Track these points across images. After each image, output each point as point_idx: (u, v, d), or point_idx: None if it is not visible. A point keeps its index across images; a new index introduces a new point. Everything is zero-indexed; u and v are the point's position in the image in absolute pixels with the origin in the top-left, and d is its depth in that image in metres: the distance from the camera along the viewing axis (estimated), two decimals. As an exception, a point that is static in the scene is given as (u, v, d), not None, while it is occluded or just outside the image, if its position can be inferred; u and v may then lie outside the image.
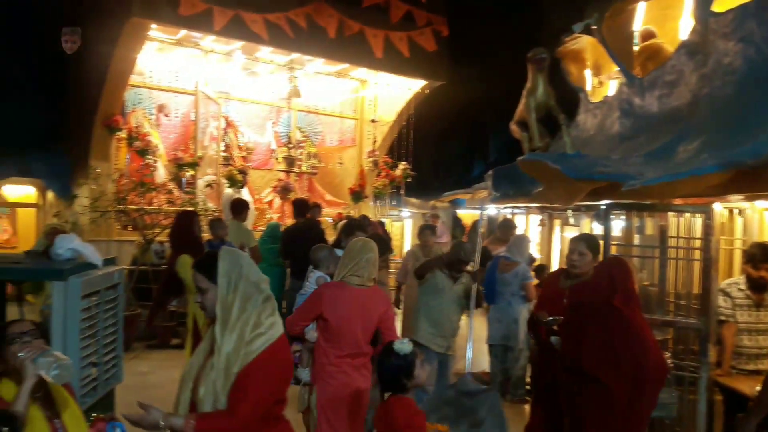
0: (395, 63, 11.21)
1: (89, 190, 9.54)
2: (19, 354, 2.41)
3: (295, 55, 11.15)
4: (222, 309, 2.42)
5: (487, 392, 4.24)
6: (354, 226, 5.74)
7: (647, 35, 6.54)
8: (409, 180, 12.37)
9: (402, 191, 12.62)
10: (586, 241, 4.06)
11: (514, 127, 6.31)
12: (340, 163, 12.88)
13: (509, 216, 9.21)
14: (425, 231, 7.13)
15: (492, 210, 9.66)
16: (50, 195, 11.02)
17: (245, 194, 10.89)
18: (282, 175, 12.17)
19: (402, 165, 12.37)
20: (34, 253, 3.80)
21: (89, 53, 9.21)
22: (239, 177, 10.84)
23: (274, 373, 2.45)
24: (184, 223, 6.05)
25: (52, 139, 10.55)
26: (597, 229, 7.26)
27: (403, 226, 13.62)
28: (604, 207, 5.19)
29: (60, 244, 3.60)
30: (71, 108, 10.51)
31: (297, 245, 7.18)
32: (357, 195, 12.44)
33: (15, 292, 4.01)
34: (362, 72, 12.47)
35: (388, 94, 12.65)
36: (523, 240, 6.87)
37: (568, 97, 7.06)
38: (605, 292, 3.57)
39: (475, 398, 4.05)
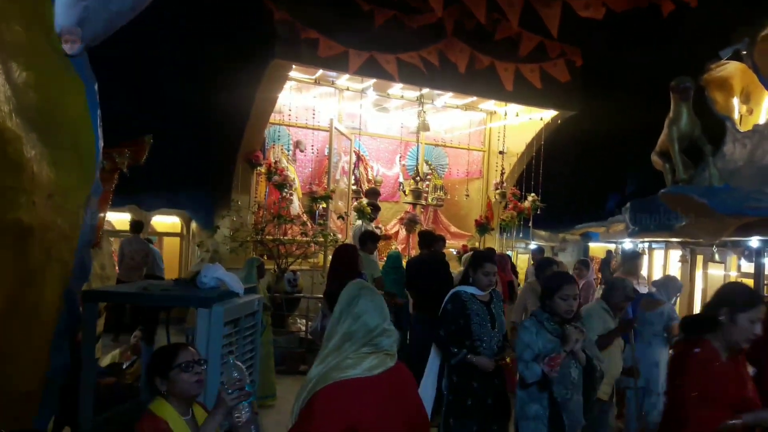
0: (526, 94, 10.96)
1: (230, 221, 10.02)
2: (229, 391, 2.48)
3: (425, 90, 11.21)
4: (325, 338, 2.39)
5: None
6: (480, 258, 5.48)
7: None
8: (538, 212, 11.91)
9: (530, 223, 12.19)
10: None
11: (655, 158, 6.00)
12: (467, 195, 12.69)
13: (637, 247, 8.67)
14: (548, 268, 6.62)
15: (629, 244, 9.20)
16: (194, 225, 11.68)
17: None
18: (408, 207, 12.23)
19: (531, 197, 11.94)
20: (182, 281, 3.93)
21: (233, 94, 9.77)
22: (368, 210, 10.94)
23: (328, 409, 2.22)
24: (354, 257, 5.63)
25: (198, 174, 11.23)
26: (745, 266, 6.68)
27: (530, 258, 12.99)
28: (757, 244, 4.78)
29: (206, 272, 3.69)
30: (216, 145, 11.13)
31: (421, 277, 7.10)
32: (483, 227, 12.22)
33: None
34: (491, 104, 12.35)
35: (518, 124, 12.40)
36: (672, 281, 6.20)
37: (713, 127, 6.62)
38: None
39: None
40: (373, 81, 10.69)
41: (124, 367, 5.64)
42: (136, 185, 9.33)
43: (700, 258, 8.12)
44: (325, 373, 2.26)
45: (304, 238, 9.78)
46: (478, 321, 4.27)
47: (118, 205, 10.24)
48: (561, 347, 3.67)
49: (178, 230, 12.53)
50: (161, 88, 10.50)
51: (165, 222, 12.67)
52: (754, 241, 5.42)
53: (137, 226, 10.14)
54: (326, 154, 11.23)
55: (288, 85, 10.60)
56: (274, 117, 10.82)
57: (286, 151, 11.46)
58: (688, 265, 8.25)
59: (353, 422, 2.20)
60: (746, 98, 6.83)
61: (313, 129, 11.40)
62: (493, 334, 4.29)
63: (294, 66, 9.80)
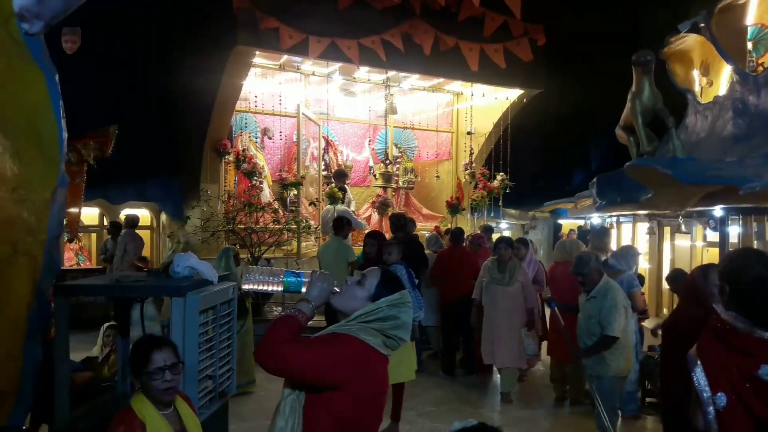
0: (491, 74, 10.99)
1: (200, 211, 9.98)
2: None
3: (392, 73, 11.18)
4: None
5: None
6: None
7: None
8: (507, 191, 12.07)
9: (500, 202, 12.32)
10: None
11: (620, 132, 6.12)
12: (437, 177, 12.72)
13: (605, 223, 8.82)
14: (500, 245, 6.80)
15: (596, 219, 9.38)
16: (164, 217, 11.66)
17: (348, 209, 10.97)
18: (380, 191, 12.27)
19: (500, 176, 12.05)
20: (155, 272, 3.91)
21: (197, 82, 9.68)
22: (339, 194, 10.92)
23: (347, 352, 2.19)
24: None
25: (166, 165, 11.31)
26: (711, 236, 6.87)
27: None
28: (720, 213, 4.92)
29: (178, 262, 3.63)
30: (182, 135, 11.08)
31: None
32: (454, 208, 12.31)
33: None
34: (457, 85, 12.37)
35: (484, 105, 12.43)
36: (629, 249, 6.29)
37: (675, 100, 6.75)
38: None
39: None
40: (338, 65, 10.62)
41: (100, 360, 5.61)
42: (103, 178, 9.33)
43: (667, 230, 8.30)
44: (356, 329, 2.21)
45: (277, 226, 9.77)
46: None
47: (85, 200, 10.12)
48: None
49: (148, 223, 12.42)
50: (125, 78, 10.43)
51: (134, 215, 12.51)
52: (718, 210, 5.56)
53: (133, 221, 10.14)
54: (294, 140, 11.20)
55: (253, 71, 10.50)
56: (240, 105, 10.70)
57: (254, 139, 11.37)
58: (656, 237, 8.42)
59: (349, 379, 2.14)
60: (706, 70, 6.97)
61: (281, 115, 11.30)
62: None
63: (257, 52, 9.68)
